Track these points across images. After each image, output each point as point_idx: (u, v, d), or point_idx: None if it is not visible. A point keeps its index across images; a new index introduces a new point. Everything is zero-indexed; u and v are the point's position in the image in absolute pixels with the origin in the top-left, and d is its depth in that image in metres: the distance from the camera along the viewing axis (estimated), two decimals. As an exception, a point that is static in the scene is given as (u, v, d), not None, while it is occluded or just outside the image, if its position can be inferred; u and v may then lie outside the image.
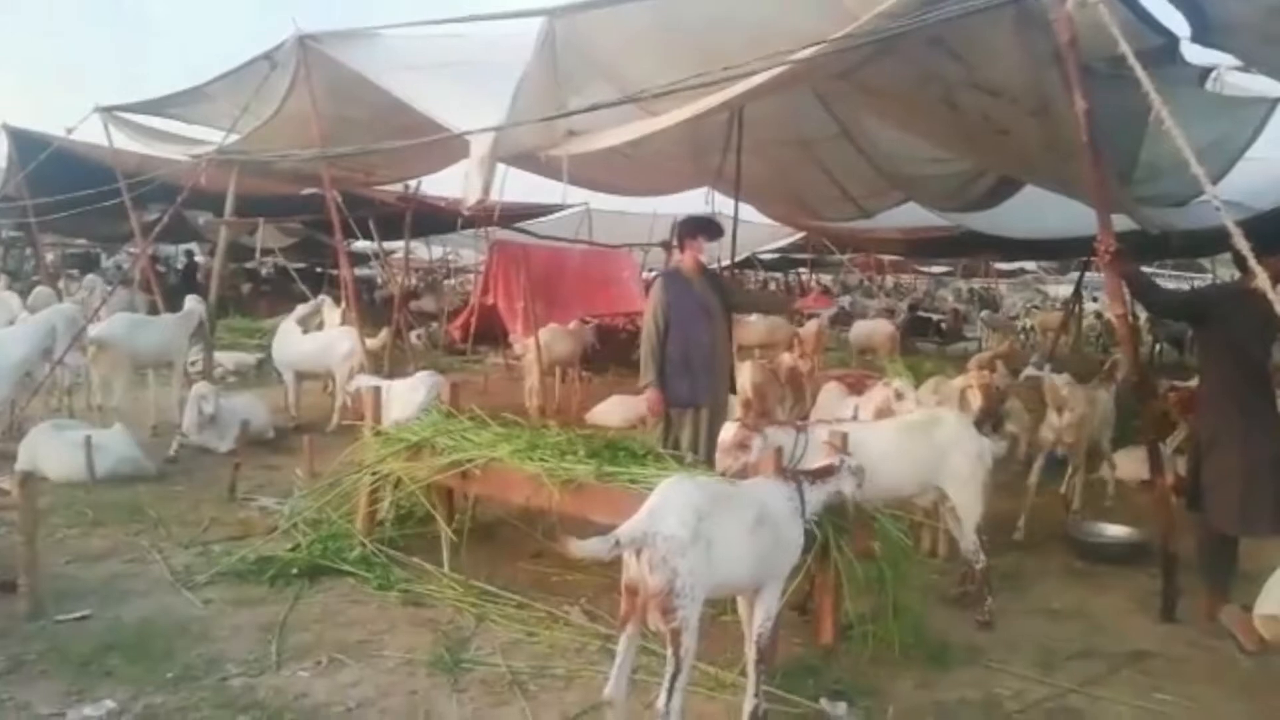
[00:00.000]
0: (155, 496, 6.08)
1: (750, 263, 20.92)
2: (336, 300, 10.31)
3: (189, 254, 20.46)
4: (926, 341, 17.65)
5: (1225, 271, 14.34)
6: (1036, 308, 22.47)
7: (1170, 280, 16.45)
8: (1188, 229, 7.01)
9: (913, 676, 3.80)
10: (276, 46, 7.30)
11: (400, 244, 13.14)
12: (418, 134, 6.70)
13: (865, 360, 12.54)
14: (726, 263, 9.60)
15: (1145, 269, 6.40)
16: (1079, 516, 6.16)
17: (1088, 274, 13.92)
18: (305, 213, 12.04)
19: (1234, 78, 5.85)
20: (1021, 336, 17.30)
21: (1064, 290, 22.76)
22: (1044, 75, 4.80)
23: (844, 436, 3.91)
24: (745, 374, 6.84)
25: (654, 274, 13.70)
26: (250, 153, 8.51)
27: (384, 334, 9.72)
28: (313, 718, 3.37)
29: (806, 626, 4.05)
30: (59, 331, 7.36)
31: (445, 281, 22.12)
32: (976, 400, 5.50)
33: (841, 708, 3.45)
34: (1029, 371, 8.08)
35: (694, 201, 11.00)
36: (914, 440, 4.47)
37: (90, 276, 16.50)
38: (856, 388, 6.13)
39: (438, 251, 22.79)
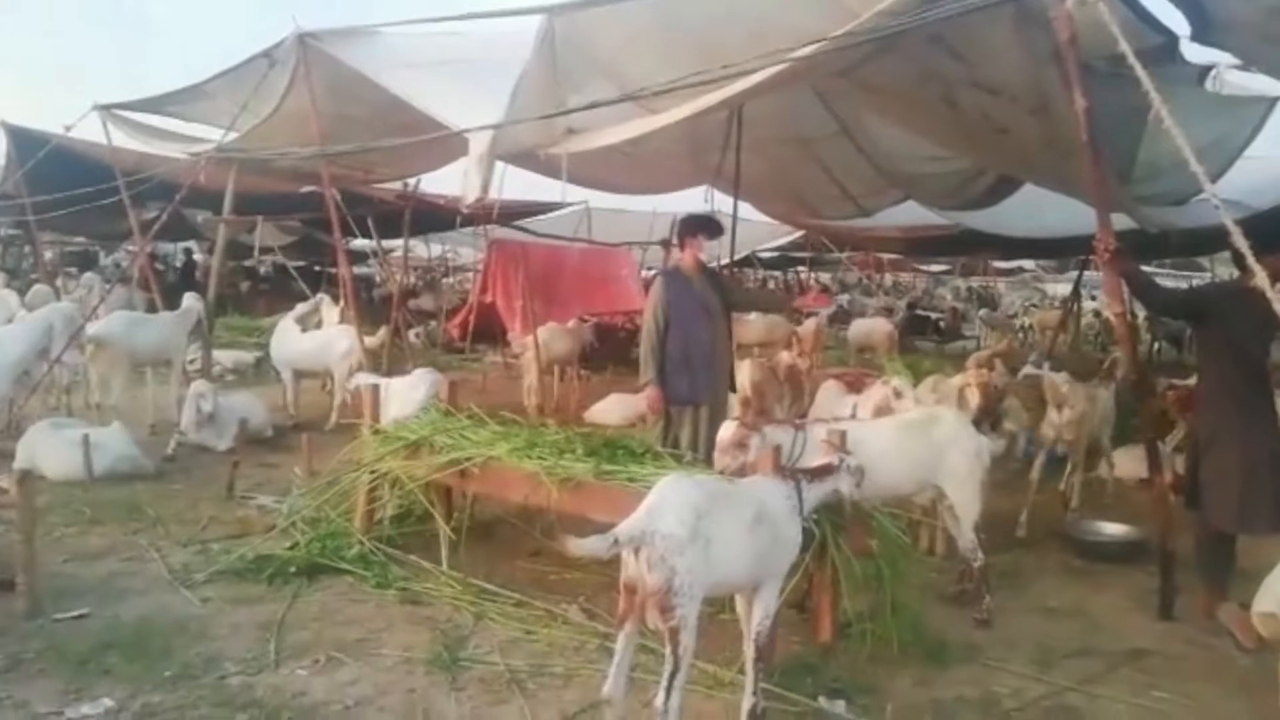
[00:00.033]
0: (153, 495, 6.08)
1: (749, 261, 20.91)
2: (335, 298, 10.31)
3: (188, 252, 20.45)
4: (925, 340, 17.66)
5: (1224, 270, 14.34)
6: (1035, 306, 22.48)
7: (1169, 279, 16.44)
8: (1187, 228, 7.01)
9: (911, 674, 3.80)
10: (276, 44, 7.29)
11: (399, 242, 13.13)
12: (417, 132, 6.69)
13: (864, 359, 12.55)
14: (726, 261, 9.59)
15: (1144, 268, 6.39)
16: (1077, 515, 6.17)
17: (1086, 272, 13.93)
18: (304, 211, 12.02)
19: (1233, 76, 5.85)
20: (1020, 335, 17.31)
21: (1063, 289, 22.78)
22: (1043, 74, 4.80)
23: (842, 435, 3.91)
24: (744, 372, 6.84)
25: (653, 272, 13.72)
26: (249, 151, 8.50)
27: (382, 332, 9.71)
28: (311, 716, 3.37)
29: (805, 624, 4.05)
30: (57, 330, 7.36)
31: (444, 280, 22.11)
32: (975, 399, 5.50)
33: (840, 706, 3.45)
34: (1027, 370, 8.08)
35: (693, 200, 11.00)
36: (912, 439, 4.47)
37: (88, 275, 16.48)
38: (855, 386, 6.13)
39: (436, 250, 22.79)
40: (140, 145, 9.95)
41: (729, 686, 3.51)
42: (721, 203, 9.91)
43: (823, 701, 3.47)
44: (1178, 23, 4.92)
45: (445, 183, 10.82)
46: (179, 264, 20.58)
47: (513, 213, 12.96)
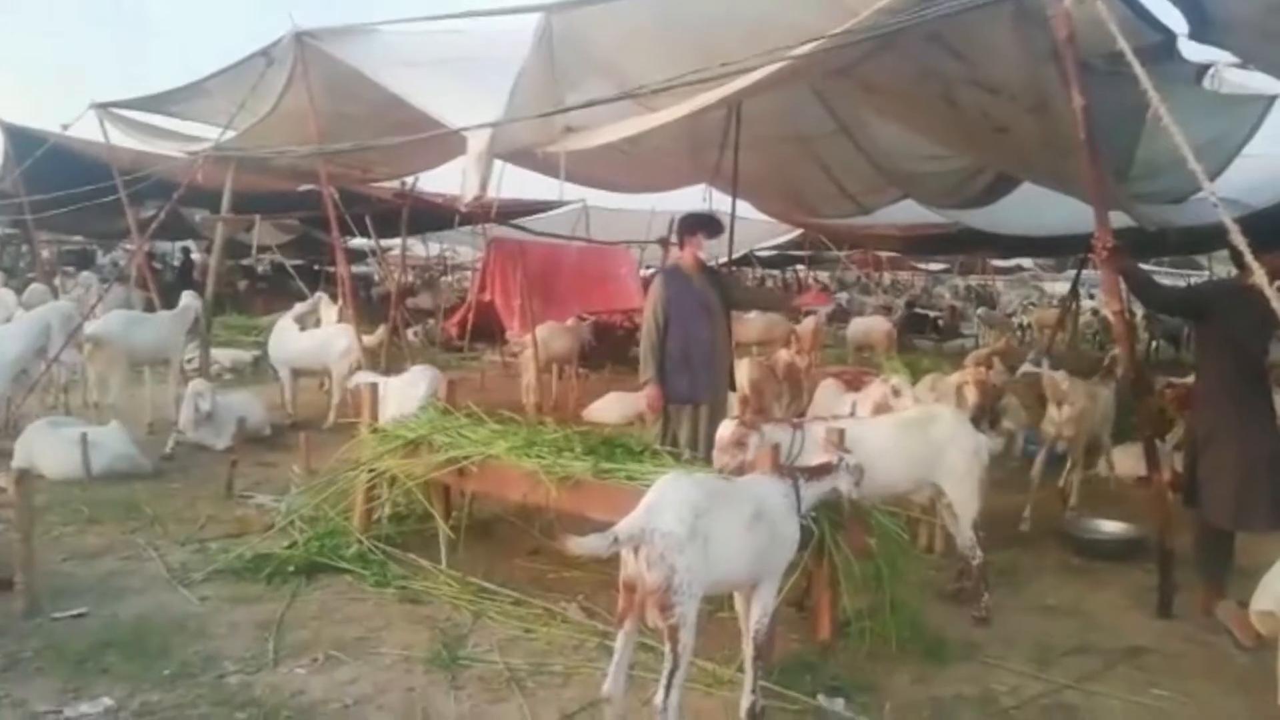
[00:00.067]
0: (152, 494, 6.07)
1: (748, 260, 20.91)
2: (333, 297, 10.31)
3: (186, 251, 20.42)
4: (924, 338, 17.67)
5: (1222, 269, 14.35)
6: (1034, 305, 22.49)
7: (1167, 277, 16.44)
8: (1185, 226, 7.02)
9: (909, 672, 3.81)
10: (274, 43, 7.28)
11: (397, 241, 13.11)
12: (415, 130, 6.69)
13: (862, 357, 12.57)
14: (724, 260, 9.59)
15: (1142, 266, 6.40)
16: (1075, 513, 6.18)
17: (1085, 271, 13.93)
18: (302, 209, 12.02)
19: (1232, 75, 5.85)
20: (1018, 333, 17.32)
21: (1061, 287, 22.79)
22: (1042, 72, 4.80)
23: (840, 433, 3.91)
24: (742, 371, 6.84)
25: (652, 271, 13.71)
26: (247, 149, 8.50)
27: (381, 331, 9.71)
28: (310, 715, 3.37)
29: (804, 623, 4.05)
30: (54, 329, 7.35)
31: (442, 278, 22.10)
32: (972, 396, 5.51)
33: (839, 703, 3.45)
34: (1026, 368, 8.09)
35: (691, 198, 11.01)
36: (910, 437, 4.47)
37: (85, 274, 16.50)
38: (854, 385, 6.13)
39: (435, 248, 22.77)
40: (138, 144, 9.94)
41: (728, 684, 3.51)
42: (720, 201, 9.91)
43: (821, 699, 3.47)
44: (1176, 21, 4.93)
45: (443, 181, 10.83)
46: (177, 263, 20.55)
47: (511, 211, 12.95)
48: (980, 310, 20.98)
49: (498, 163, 6.21)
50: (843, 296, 22.51)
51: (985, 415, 5.91)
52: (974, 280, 28.65)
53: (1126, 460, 6.89)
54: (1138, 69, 3.54)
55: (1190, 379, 5.83)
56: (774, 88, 5.67)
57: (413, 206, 11.31)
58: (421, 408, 5.34)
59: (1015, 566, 5.21)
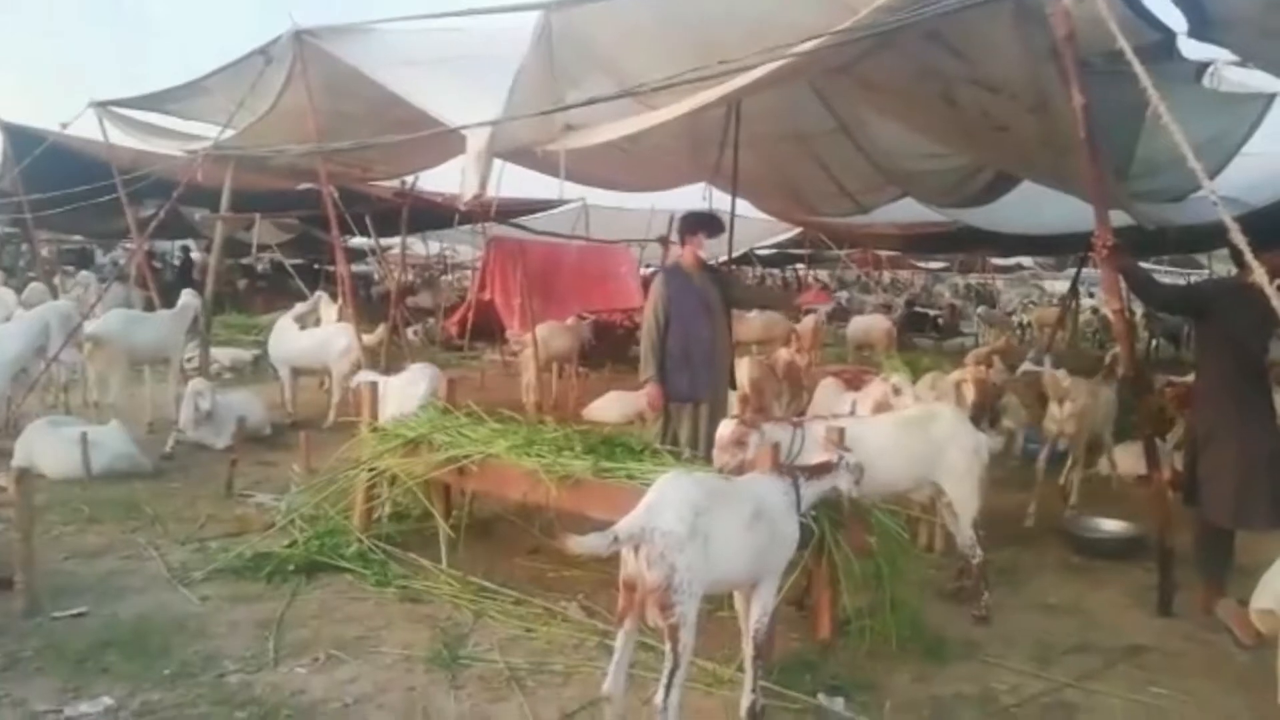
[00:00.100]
0: (152, 493, 6.07)
1: (748, 258, 20.90)
2: (333, 296, 10.30)
3: (185, 250, 20.43)
4: (923, 337, 17.67)
5: (1222, 267, 14.35)
6: (1033, 303, 22.48)
7: (1167, 276, 16.45)
8: (1185, 224, 7.01)
9: (910, 671, 3.81)
10: (272, 41, 7.28)
11: (397, 240, 13.11)
12: (414, 129, 6.68)
13: (862, 356, 12.57)
14: (724, 258, 9.59)
15: (1142, 264, 6.40)
16: (1075, 511, 6.18)
17: (1085, 269, 13.93)
18: (301, 208, 12.02)
19: (1231, 73, 5.85)
20: (1018, 332, 17.32)
21: (1061, 286, 22.79)
22: (1042, 71, 4.80)
23: (841, 432, 3.91)
24: (743, 370, 6.84)
25: (651, 269, 13.70)
26: (246, 148, 8.49)
27: (381, 330, 9.71)
28: (310, 714, 3.37)
29: (804, 622, 4.06)
30: (53, 328, 7.35)
31: (442, 277, 22.10)
32: (971, 394, 5.51)
33: (839, 703, 3.45)
34: (1026, 367, 8.09)
35: (691, 197, 10.99)
36: (910, 435, 4.47)
37: (84, 273, 16.48)
38: (854, 383, 6.14)
39: (435, 247, 22.76)
40: (137, 143, 9.93)
41: (728, 684, 3.51)
42: (719, 200, 9.90)
43: (822, 698, 3.47)
44: (1175, 19, 4.93)
45: (443, 180, 10.82)
46: (177, 262, 20.55)
47: (511, 210, 12.95)
48: (980, 309, 20.98)
49: (497, 161, 6.21)
50: (842, 295, 22.51)
51: (984, 413, 5.92)
52: (974, 279, 28.65)
53: (1127, 459, 6.90)
54: (1137, 67, 3.53)
55: (1190, 377, 5.84)
56: (774, 86, 5.67)
57: (412, 205, 11.30)
58: (422, 406, 5.33)
59: (1015, 565, 5.21)
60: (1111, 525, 5.70)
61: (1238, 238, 3.48)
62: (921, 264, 27.84)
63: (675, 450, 4.51)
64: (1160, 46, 5.02)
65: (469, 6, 6.21)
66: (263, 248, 15.64)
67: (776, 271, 25.41)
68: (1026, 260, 25.47)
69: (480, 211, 10.15)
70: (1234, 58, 5.56)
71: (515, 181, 8.66)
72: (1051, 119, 5.15)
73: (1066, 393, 6.24)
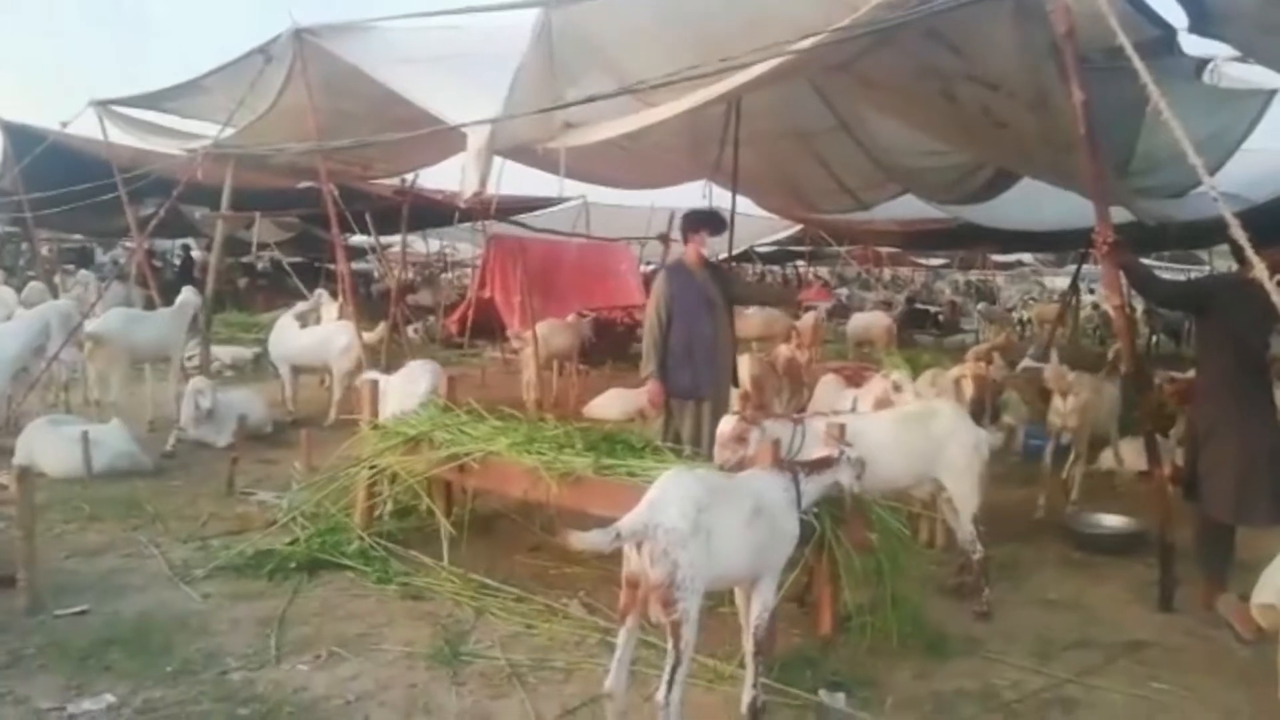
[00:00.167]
0: (153, 491, 6.08)
1: (748, 255, 20.90)
2: (333, 294, 10.30)
3: (185, 248, 20.44)
4: (924, 334, 17.65)
5: (1223, 264, 14.36)
6: (1034, 299, 22.47)
7: (1168, 272, 16.43)
8: (1185, 221, 7.01)
9: (911, 667, 3.81)
10: (272, 40, 7.28)
11: (397, 238, 13.11)
12: (414, 127, 6.68)
13: (862, 353, 12.56)
14: (724, 255, 9.59)
15: (1143, 261, 6.39)
16: (1076, 507, 6.18)
17: (1085, 266, 13.93)
18: (302, 207, 12.02)
19: (1231, 69, 5.84)
20: (1018, 328, 17.32)
21: (1061, 282, 22.78)
22: (1041, 67, 4.79)
23: (841, 428, 3.92)
24: (743, 366, 6.84)
25: (652, 267, 13.71)
26: (246, 146, 8.49)
27: (381, 328, 9.71)
28: (312, 711, 3.38)
29: (805, 618, 4.06)
30: (53, 327, 7.34)
31: (442, 275, 22.10)
32: (969, 390, 5.51)
33: (840, 699, 3.45)
34: (1026, 363, 8.10)
35: (692, 194, 10.98)
36: (910, 432, 4.47)
37: (83, 272, 16.48)
38: (854, 380, 6.14)
39: (435, 245, 22.76)
40: (137, 141, 9.93)
41: (729, 680, 3.52)
42: (720, 197, 9.90)
43: (823, 695, 3.47)
44: (1175, 15, 4.93)
45: (443, 178, 10.82)
46: (177, 261, 20.55)
47: (511, 208, 12.96)
48: (980, 305, 20.97)
49: (497, 159, 6.21)
50: (843, 292, 22.51)
51: (983, 409, 5.93)
52: (974, 275, 28.63)
53: (1127, 454, 6.90)
54: (1137, 63, 3.53)
55: (1191, 373, 5.84)
56: (774, 83, 5.67)
57: (412, 203, 11.31)
58: (423, 404, 5.33)
59: (1016, 561, 5.21)
60: (1112, 520, 5.70)
61: (1238, 233, 3.48)
62: (922, 261, 27.82)
63: (676, 447, 4.51)
64: (1160, 42, 5.02)
65: (468, 4, 6.22)
66: (263, 246, 15.65)
67: (777, 268, 25.41)
68: (1027, 257, 25.47)
69: (480, 209, 10.15)
70: (1234, 53, 5.56)
71: (515, 179, 8.67)
72: (1051, 115, 5.14)
73: (1070, 386, 6.25)
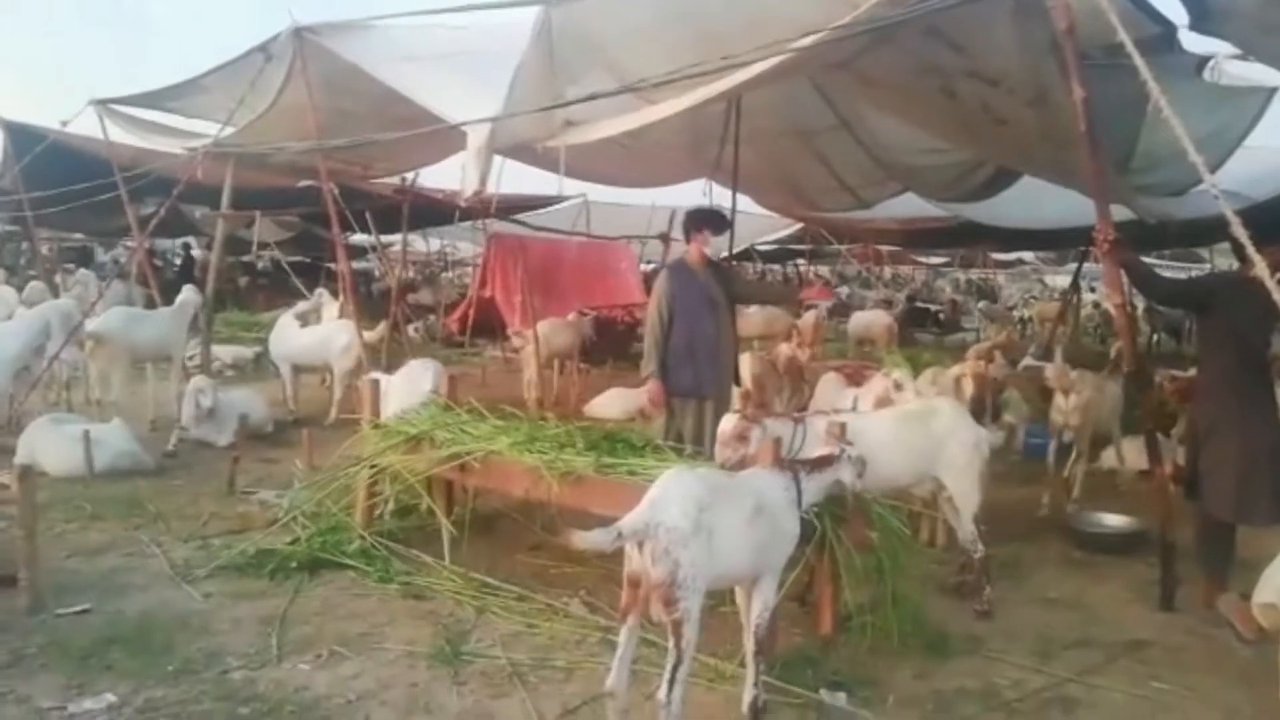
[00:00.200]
0: (154, 491, 6.08)
1: (748, 254, 20.89)
2: (334, 294, 10.30)
3: (186, 247, 20.44)
4: (924, 332, 17.66)
5: (1223, 261, 14.34)
6: (1035, 298, 22.45)
7: (1168, 270, 16.41)
8: (1186, 218, 7.00)
9: (911, 666, 3.81)
10: (272, 38, 7.27)
11: (398, 237, 13.11)
12: (414, 126, 6.67)
13: (863, 351, 12.56)
14: (724, 254, 9.57)
15: (1144, 259, 6.40)
16: (1077, 506, 6.18)
17: (1086, 264, 13.92)
18: (302, 206, 12.01)
19: (1232, 66, 5.84)
20: (1019, 327, 17.31)
21: (1062, 280, 22.77)
22: (1042, 64, 4.79)
23: (842, 426, 3.91)
24: (744, 365, 6.84)
25: (652, 266, 13.70)
26: (246, 145, 8.49)
27: (382, 327, 9.71)
28: (313, 710, 3.38)
29: (806, 617, 4.06)
30: (54, 327, 7.35)
31: (443, 274, 22.09)
32: (969, 389, 5.51)
33: (841, 698, 3.46)
34: (1027, 361, 8.09)
35: (692, 193, 10.97)
36: (910, 430, 4.47)
37: (83, 271, 16.47)
38: (855, 379, 6.14)
39: (435, 244, 22.75)
40: (137, 140, 9.93)
41: (730, 679, 3.52)
42: (720, 195, 9.90)
43: (824, 694, 3.47)
44: (1176, 12, 4.92)
45: (444, 176, 10.81)
46: (178, 261, 20.55)
47: (511, 206, 12.95)
48: (981, 304, 20.97)
49: (497, 157, 6.20)
50: (843, 291, 22.49)
51: (983, 408, 5.92)
52: (975, 274, 28.62)
53: (1128, 453, 6.90)
54: (1138, 61, 3.53)
55: (1192, 372, 5.83)
56: (774, 81, 5.66)
57: (413, 202, 11.30)
58: (424, 402, 5.33)
59: (1017, 560, 5.22)
60: (1113, 520, 5.70)
61: (1239, 231, 3.48)
62: (922, 259, 27.79)
63: (677, 446, 4.51)
64: (1161, 40, 5.01)
65: (469, 2, 6.21)
66: (263, 245, 15.64)
67: (777, 267, 25.39)
68: (1027, 255, 25.45)
69: (481, 208, 10.15)
70: (1235, 51, 5.55)
71: (515, 178, 8.65)
72: (1051, 112, 5.14)
73: (1073, 385, 6.25)
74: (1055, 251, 21.47)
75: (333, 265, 14.87)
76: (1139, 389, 5.04)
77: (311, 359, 8.87)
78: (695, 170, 9.62)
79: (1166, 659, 4.01)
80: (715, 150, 8.53)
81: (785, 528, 3.27)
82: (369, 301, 14.52)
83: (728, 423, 3.99)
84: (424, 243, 21.76)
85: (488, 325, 12.79)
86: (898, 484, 4.47)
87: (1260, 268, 3.46)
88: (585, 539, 2.92)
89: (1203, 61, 5.70)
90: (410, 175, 11.18)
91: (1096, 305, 17.40)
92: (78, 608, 4.17)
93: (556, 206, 13.82)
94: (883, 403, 5.24)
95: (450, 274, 22.65)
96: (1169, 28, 5.02)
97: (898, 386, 5.31)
